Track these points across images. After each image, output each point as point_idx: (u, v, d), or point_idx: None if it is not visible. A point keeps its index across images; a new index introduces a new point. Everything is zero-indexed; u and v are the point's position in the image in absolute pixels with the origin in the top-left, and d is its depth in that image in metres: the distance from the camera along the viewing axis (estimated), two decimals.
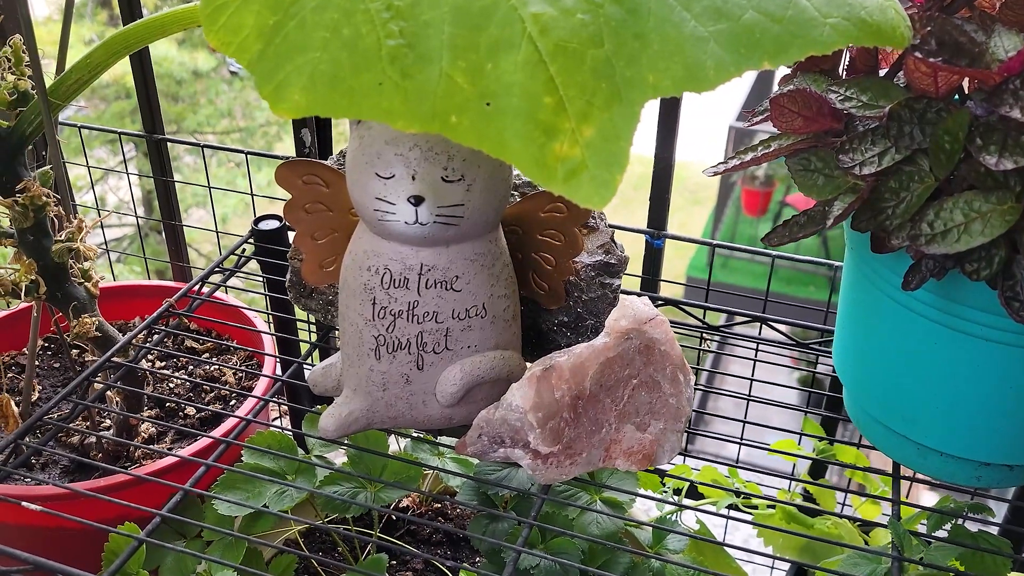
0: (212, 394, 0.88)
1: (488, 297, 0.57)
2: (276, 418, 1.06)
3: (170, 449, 0.80)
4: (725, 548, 0.76)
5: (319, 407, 0.70)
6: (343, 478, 0.68)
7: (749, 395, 0.74)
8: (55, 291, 0.70)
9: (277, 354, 0.85)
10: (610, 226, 0.70)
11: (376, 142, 0.53)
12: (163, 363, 0.92)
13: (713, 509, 0.76)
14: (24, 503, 0.60)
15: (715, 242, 0.79)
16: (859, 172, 0.46)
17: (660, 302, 0.77)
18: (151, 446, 0.76)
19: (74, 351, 0.91)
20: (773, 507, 0.77)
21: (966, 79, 0.45)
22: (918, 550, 0.58)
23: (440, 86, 0.38)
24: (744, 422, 0.71)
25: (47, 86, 0.63)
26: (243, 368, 0.83)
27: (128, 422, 0.79)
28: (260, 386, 0.82)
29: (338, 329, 0.66)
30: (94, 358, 0.82)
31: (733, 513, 0.69)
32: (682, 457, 0.73)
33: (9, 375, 0.89)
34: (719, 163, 0.53)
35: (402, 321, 0.56)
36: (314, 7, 0.40)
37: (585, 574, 0.63)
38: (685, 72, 0.39)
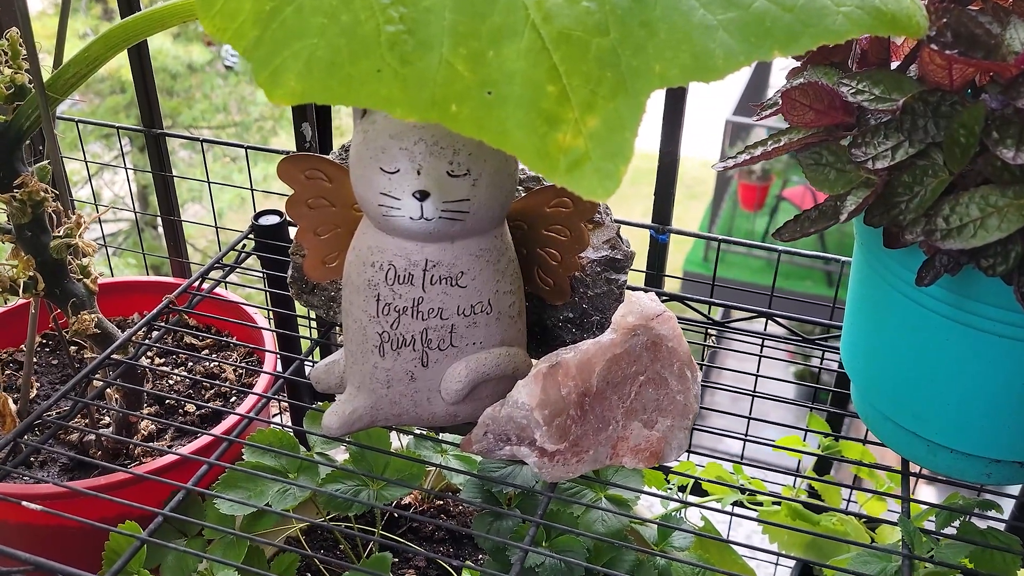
0: (212, 391, 0.87)
1: (493, 293, 0.56)
2: (276, 414, 1.05)
3: (170, 447, 0.79)
4: (731, 545, 0.76)
5: (321, 404, 0.69)
6: (345, 476, 0.68)
7: (754, 391, 0.73)
8: (53, 287, 0.69)
9: (278, 351, 0.85)
10: (615, 221, 0.69)
11: (380, 136, 0.52)
12: (163, 360, 0.92)
13: (718, 506, 0.75)
14: (24, 503, 0.60)
15: (720, 237, 0.79)
16: (872, 166, 0.45)
17: (665, 298, 0.76)
18: (151, 443, 0.75)
19: (73, 348, 0.91)
20: (778, 504, 0.76)
21: (980, 72, 0.44)
22: (927, 547, 0.57)
23: (440, 73, 0.37)
24: (749, 418, 0.71)
25: (44, 80, 0.62)
26: (244, 365, 0.82)
27: (128, 420, 0.78)
28: (261, 383, 0.81)
29: (341, 326, 0.65)
30: (93, 355, 0.81)
31: (738, 510, 0.68)
32: (687, 454, 0.72)
33: (7, 372, 0.88)
34: (728, 157, 0.52)
35: (407, 317, 0.55)
36: None
37: (591, 572, 0.63)
38: (693, 61, 0.38)
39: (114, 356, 0.70)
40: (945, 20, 0.42)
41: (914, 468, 0.61)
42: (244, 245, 0.82)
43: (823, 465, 0.84)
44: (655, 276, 0.78)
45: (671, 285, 0.83)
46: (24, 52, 0.63)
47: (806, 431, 0.75)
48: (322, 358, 0.71)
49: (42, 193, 0.65)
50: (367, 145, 0.52)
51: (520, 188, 0.65)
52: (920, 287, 0.46)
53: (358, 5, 0.38)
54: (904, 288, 0.50)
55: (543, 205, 0.59)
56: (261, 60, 0.39)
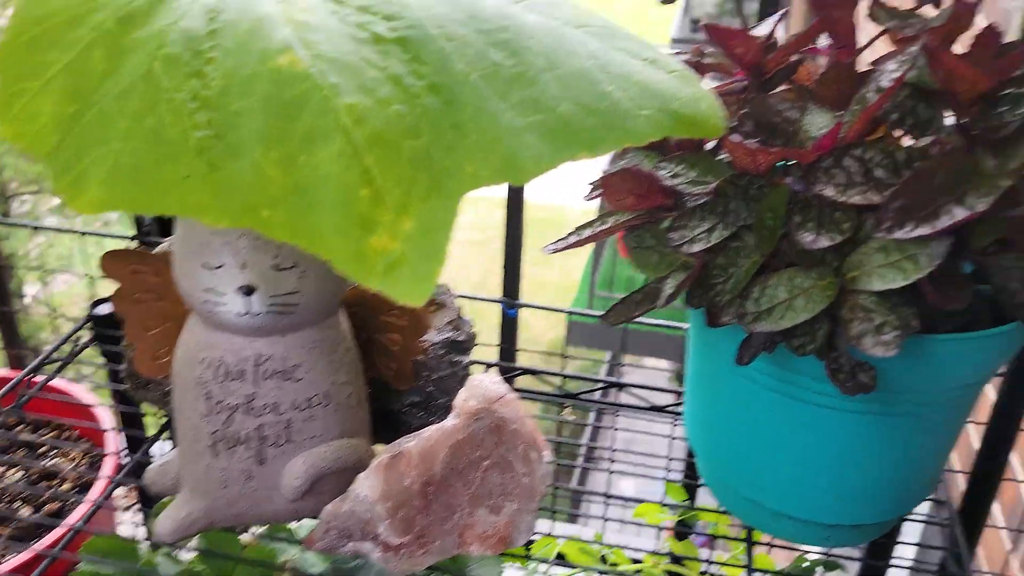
0: (49, 493, 0.82)
1: (330, 385, 0.54)
2: (129, 506, 1.00)
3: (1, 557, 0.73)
4: None
5: (167, 499, 0.65)
6: None
7: (611, 465, 0.73)
8: None
9: (118, 447, 0.80)
10: (463, 296, 0.69)
11: (202, 231, 0.50)
12: None
13: None
14: None
15: (567, 309, 0.79)
16: (688, 250, 0.46)
17: (517, 371, 0.76)
18: None
19: None
20: (640, 572, 0.77)
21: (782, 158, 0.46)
22: None
23: (251, 178, 0.36)
24: (607, 497, 0.71)
25: None
26: (85, 462, 0.77)
27: None
28: (99, 485, 0.77)
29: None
30: None
31: None
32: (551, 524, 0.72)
33: None
34: (559, 240, 0.53)
35: (240, 415, 0.53)
36: (117, 95, 0.38)
37: None
38: (503, 163, 0.38)
39: None
40: (746, 110, 0.44)
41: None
42: (80, 336, 0.78)
43: (684, 531, 0.84)
44: (508, 350, 0.78)
45: (524, 358, 0.84)
46: None
47: (663, 504, 0.76)
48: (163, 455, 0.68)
49: None
50: (189, 240, 0.51)
51: None
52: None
53: (163, 109, 0.37)
54: (732, 363, 0.52)
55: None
56: (62, 167, 0.37)
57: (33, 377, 0.73)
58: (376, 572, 0.64)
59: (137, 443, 0.82)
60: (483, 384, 0.56)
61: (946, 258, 0.42)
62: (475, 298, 0.78)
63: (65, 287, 3.57)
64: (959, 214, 0.40)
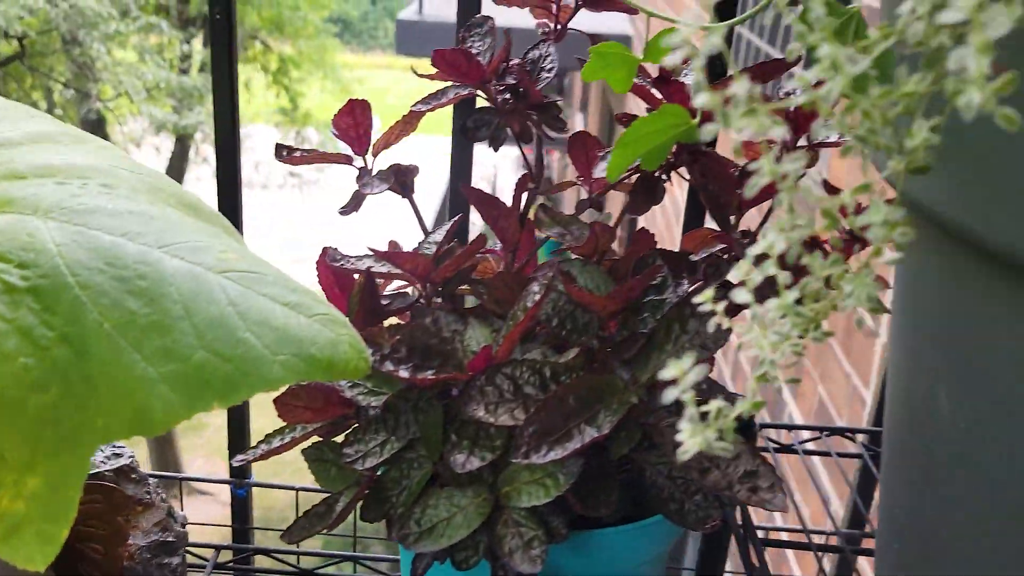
0: None
1: None
2: None
3: None
4: None
5: None
6: None
7: None
8: None
9: None
10: (191, 479, 0.67)
11: None
12: None
13: None
14: None
15: (299, 486, 0.78)
16: (362, 466, 0.47)
17: (250, 551, 0.74)
18: None
19: None
20: None
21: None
22: None
23: None
24: None
25: None
26: None
27: None
28: None
29: None
30: None
31: None
32: None
33: None
34: (250, 450, 0.52)
35: None
36: None
37: None
38: (135, 415, 0.38)
39: None
40: (399, 337, 0.46)
41: None
42: None
43: None
44: (241, 531, 0.76)
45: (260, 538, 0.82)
46: None
47: None
48: None
49: None
50: None
51: None
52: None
53: None
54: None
55: None
56: None
57: None
58: None
59: None
60: None
61: (590, 468, 0.45)
62: (203, 479, 0.76)
63: None
64: (589, 435, 0.43)
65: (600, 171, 0.54)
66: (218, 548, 0.74)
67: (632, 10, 0.50)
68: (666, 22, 0.44)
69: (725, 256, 0.55)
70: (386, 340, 0.46)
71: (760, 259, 0.28)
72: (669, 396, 0.27)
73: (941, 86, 0.26)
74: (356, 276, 0.54)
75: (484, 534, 0.45)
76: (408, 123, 0.55)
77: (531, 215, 0.56)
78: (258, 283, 0.43)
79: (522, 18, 0.57)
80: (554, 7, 0.57)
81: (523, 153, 0.56)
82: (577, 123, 7.95)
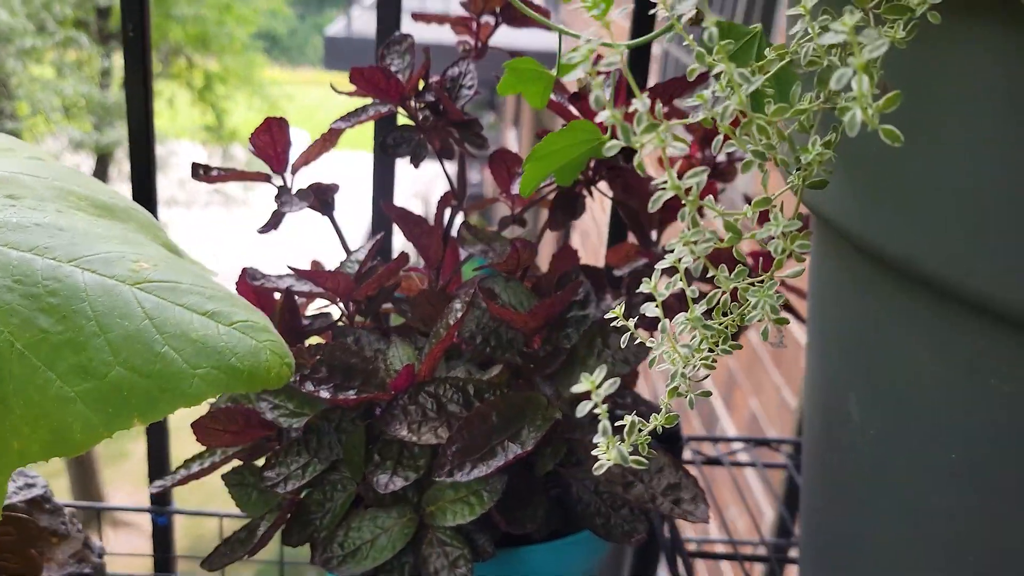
0: None
1: None
2: None
3: None
4: None
5: None
6: None
7: None
8: None
9: None
10: (109, 508, 0.64)
11: None
12: None
13: None
14: None
15: (222, 512, 0.77)
16: (284, 489, 0.46)
17: None
18: None
19: None
20: None
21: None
22: None
23: None
24: None
25: None
26: None
27: None
28: None
29: None
30: None
31: None
32: None
33: None
34: (175, 472, 0.51)
35: None
36: None
37: None
38: (52, 436, 0.37)
39: None
40: (319, 356, 0.45)
41: None
42: None
43: None
44: (163, 560, 0.74)
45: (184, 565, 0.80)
46: None
47: None
48: None
49: None
50: None
51: None
52: None
53: None
54: None
55: None
56: None
57: None
58: None
59: None
60: None
61: (516, 485, 0.45)
62: (121, 508, 0.74)
63: None
64: (513, 452, 0.43)
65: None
66: None
67: (547, 27, 0.50)
68: (575, 39, 0.45)
69: (648, 271, 0.56)
70: (307, 360, 0.45)
71: (668, 272, 0.28)
72: (583, 410, 0.27)
73: (833, 103, 0.27)
74: (277, 295, 0.53)
75: (410, 555, 0.45)
76: (328, 140, 0.55)
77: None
78: (174, 293, 0.42)
79: (445, 34, 0.57)
80: (474, 24, 0.57)
81: (445, 170, 0.56)
82: (510, 138, 7.99)
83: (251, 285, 0.52)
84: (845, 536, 0.42)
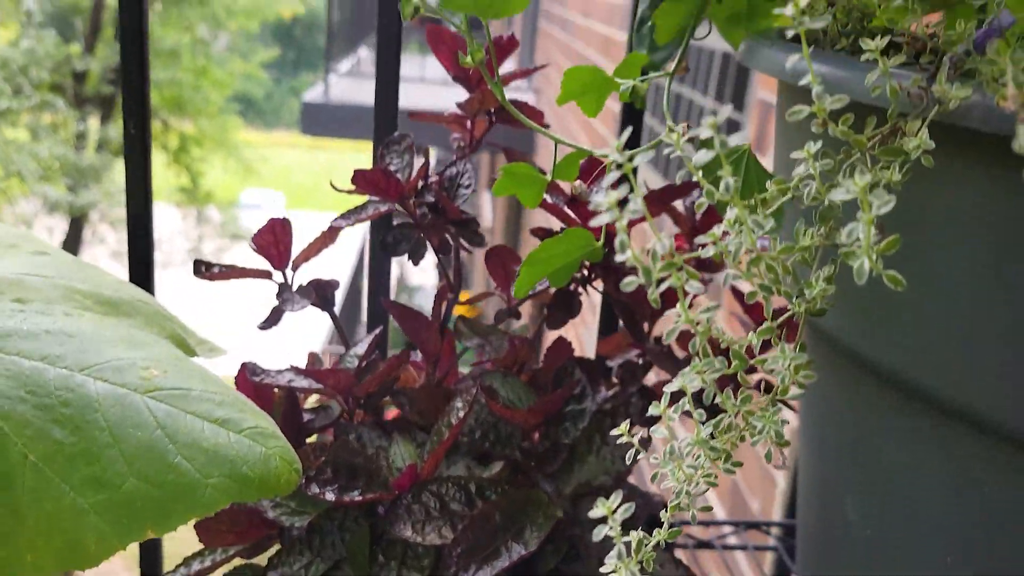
0: None
1: None
2: None
3: None
4: None
5: None
6: None
7: None
8: None
9: None
10: None
11: None
12: None
13: None
14: None
15: None
16: None
17: None
18: None
19: None
20: None
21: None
22: None
23: None
24: None
25: None
26: None
27: None
28: None
29: None
30: None
31: None
32: None
33: None
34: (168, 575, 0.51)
35: None
36: None
37: None
38: (66, 548, 0.37)
39: None
40: (324, 458, 0.46)
41: None
42: None
43: None
44: None
45: None
46: None
47: None
48: None
49: None
50: None
51: None
52: None
53: None
54: None
55: None
56: None
57: None
58: None
59: None
60: None
61: None
62: None
63: None
64: (517, 552, 0.43)
65: None
66: None
67: (541, 132, 0.52)
68: (569, 147, 0.47)
69: (640, 361, 0.57)
70: (311, 461, 0.46)
71: (675, 396, 0.30)
72: (599, 535, 0.28)
73: (834, 239, 0.28)
74: (276, 390, 0.54)
75: None
76: (328, 237, 0.56)
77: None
78: (185, 401, 0.42)
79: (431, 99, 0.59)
80: (468, 123, 0.59)
81: (441, 264, 0.57)
82: (484, 202, 8.07)
83: (251, 381, 0.52)
84: None
